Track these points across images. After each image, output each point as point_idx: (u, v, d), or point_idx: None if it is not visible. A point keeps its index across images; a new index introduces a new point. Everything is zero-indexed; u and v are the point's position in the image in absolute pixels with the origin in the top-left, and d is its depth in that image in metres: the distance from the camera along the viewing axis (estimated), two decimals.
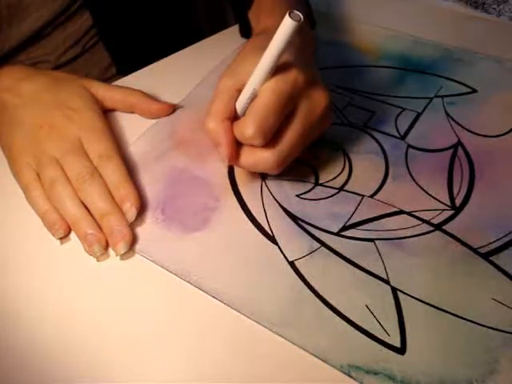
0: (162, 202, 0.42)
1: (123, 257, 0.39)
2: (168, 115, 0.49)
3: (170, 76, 0.53)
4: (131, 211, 0.40)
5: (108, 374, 0.33)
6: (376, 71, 0.50)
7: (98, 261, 0.39)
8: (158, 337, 0.35)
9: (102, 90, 0.48)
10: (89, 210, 0.40)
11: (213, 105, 0.39)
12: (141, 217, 0.41)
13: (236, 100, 0.38)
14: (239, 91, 0.38)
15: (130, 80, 0.53)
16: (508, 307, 0.34)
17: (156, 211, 0.41)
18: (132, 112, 0.49)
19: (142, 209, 0.41)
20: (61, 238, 0.40)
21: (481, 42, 0.52)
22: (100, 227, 0.40)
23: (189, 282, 0.37)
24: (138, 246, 0.40)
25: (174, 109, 0.49)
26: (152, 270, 0.38)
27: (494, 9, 0.54)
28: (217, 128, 0.38)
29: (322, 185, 0.42)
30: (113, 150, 0.43)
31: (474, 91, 0.47)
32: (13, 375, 0.34)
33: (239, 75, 0.38)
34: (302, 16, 0.32)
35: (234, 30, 0.58)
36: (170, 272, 0.38)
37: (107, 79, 0.61)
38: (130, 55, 0.61)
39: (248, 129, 0.36)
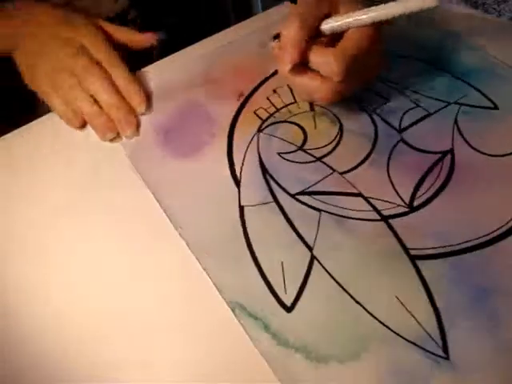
0: (169, 126, 0.47)
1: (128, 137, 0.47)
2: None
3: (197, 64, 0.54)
4: (140, 106, 0.48)
5: (108, 373, 0.34)
6: (408, 62, 0.50)
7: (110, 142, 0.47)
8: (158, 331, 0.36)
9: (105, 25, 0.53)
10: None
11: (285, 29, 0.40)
12: (146, 133, 0.47)
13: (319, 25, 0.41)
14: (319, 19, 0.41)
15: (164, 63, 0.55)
16: (406, 309, 0.34)
17: (160, 132, 0.47)
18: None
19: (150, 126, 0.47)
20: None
21: (481, 42, 0.50)
22: (129, 113, 0.47)
23: (155, 197, 0.42)
24: (130, 152, 0.45)
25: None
26: (151, 269, 0.39)
27: (495, 9, 0.50)
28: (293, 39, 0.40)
29: (304, 150, 0.44)
30: (117, 55, 0.49)
31: (496, 108, 0.45)
32: (13, 375, 0.34)
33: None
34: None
35: (258, 19, 0.58)
36: (144, 182, 0.43)
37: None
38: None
39: (336, 65, 0.39)
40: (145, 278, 0.38)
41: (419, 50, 0.50)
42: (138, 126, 0.48)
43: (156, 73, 0.53)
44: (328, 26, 0.41)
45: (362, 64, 0.40)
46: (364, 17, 0.39)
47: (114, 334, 0.36)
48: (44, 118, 0.50)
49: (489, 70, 0.48)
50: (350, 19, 0.40)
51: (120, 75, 0.48)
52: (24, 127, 0.49)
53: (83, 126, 0.48)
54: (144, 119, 0.48)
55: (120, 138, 0.47)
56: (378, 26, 0.40)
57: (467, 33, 0.51)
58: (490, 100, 0.45)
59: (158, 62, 0.55)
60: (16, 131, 0.49)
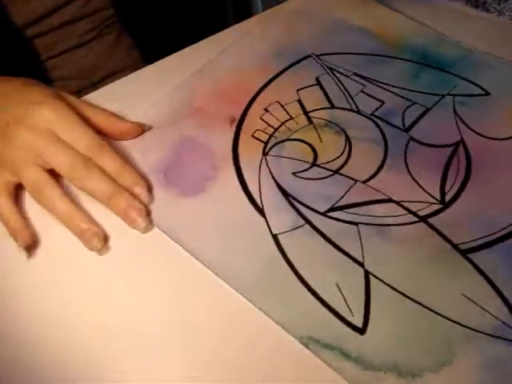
0: (165, 166, 0.44)
1: (145, 231, 0.39)
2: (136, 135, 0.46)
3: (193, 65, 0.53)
4: (143, 193, 0.40)
5: (108, 373, 0.34)
6: (394, 62, 0.50)
7: (99, 254, 0.39)
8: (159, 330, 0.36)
9: (72, 99, 0.44)
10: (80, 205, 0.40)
11: None
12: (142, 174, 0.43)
13: None
14: None
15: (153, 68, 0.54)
16: (476, 304, 0.34)
17: (159, 173, 0.43)
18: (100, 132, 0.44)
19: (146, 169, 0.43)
20: (29, 251, 0.39)
21: (481, 42, 0.52)
22: (94, 222, 0.39)
23: (176, 241, 0.39)
24: None
25: (142, 130, 0.46)
26: (150, 268, 0.38)
27: (495, 8, 0.53)
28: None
29: (318, 166, 0.43)
30: (99, 138, 0.41)
31: (487, 94, 0.47)
32: (13, 375, 0.34)
33: None
34: None
35: (257, 19, 0.58)
36: (160, 230, 0.40)
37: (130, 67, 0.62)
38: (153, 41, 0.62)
39: None
40: (143, 278, 0.38)
41: (402, 50, 0.51)
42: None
43: (155, 73, 0.51)
44: None
45: None
46: None
47: (114, 333, 0.35)
48: None
49: (471, 60, 0.50)
50: None
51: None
52: None
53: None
54: (137, 162, 0.44)
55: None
56: None
57: (467, 32, 0.52)
58: (480, 87, 0.47)
59: (157, 63, 0.53)
60: None
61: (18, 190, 0.42)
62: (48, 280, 0.38)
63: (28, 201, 0.41)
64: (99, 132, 0.43)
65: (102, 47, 0.62)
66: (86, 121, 0.42)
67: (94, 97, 0.50)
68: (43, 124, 0.40)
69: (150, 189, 0.42)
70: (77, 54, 0.61)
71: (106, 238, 0.39)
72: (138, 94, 0.51)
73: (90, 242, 0.38)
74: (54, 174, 0.40)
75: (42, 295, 0.37)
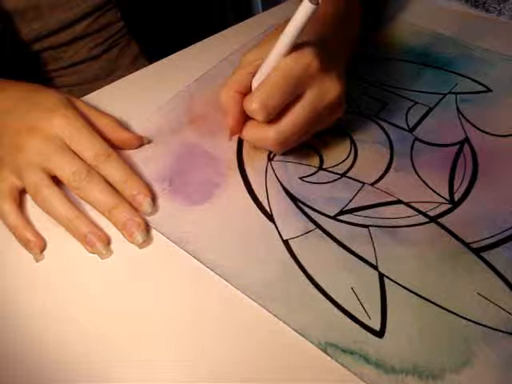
0: (170, 174, 0.44)
1: (142, 245, 0.39)
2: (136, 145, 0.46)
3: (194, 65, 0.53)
4: (146, 202, 0.40)
5: (108, 373, 0.34)
6: (395, 64, 0.51)
7: (102, 259, 0.39)
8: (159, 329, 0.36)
9: (81, 105, 0.45)
10: (83, 211, 0.39)
11: (231, 77, 0.40)
12: (147, 183, 0.42)
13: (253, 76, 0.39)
14: (258, 67, 0.39)
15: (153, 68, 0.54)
16: (491, 302, 0.34)
17: (164, 182, 0.43)
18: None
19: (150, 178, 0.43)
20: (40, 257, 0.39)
21: (481, 42, 0.52)
22: (96, 225, 0.39)
23: (186, 250, 0.39)
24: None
25: (141, 142, 0.46)
26: (149, 268, 0.39)
27: (495, 8, 0.53)
28: (227, 99, 0.39)
29: (325, 169, 0.43)
30: (108, 147, 0.41)
31: (489, 90, 0.47)
32: (13, 375, 0.34)
33: (261, 53, 0.39)
34: (320, 0, 0.33)
35: (258, 19, 0.58)
36: (170, 240, 0.39)
37: None
38: (158, 43, 0.62)
39: (252, 103, 0.37)
40: (143, 278, 0.38)
41: (402, 51, 0.52)
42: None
43: (156, 73, 0.50)
44: (253, 83, 0.39)
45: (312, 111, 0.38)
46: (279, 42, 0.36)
47: (114, 334, 0.35)
48: None
49: (471, 57, 0.50)
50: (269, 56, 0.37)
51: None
52: None
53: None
54: (140, 171, 0.44)
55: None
56: (314, 54, 0.37)
57: (467, 32, 0.53)
58: (481, 84, 0.47)
59: (157, 63, 0.53)
60: None
61: (22, 195, 0.42)
62: (49, 281, 0.38)
63: (29, 203, 0.41)
64: (105, 138, 0.43)
65: (108, 57, 0.62)
66: (94, 127, 0.43)
67: (97, 96, 0.50)
68: (54, 132, 0.40)
69: (154, 198, 0.41)
70: (84, 65, 0.61)
71: (108, 242, 0.39)
72: (139, 94, 0.51)
73: (93, 246, 0.39)
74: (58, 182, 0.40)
75: (43, 296, 0.37)
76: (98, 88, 0.51)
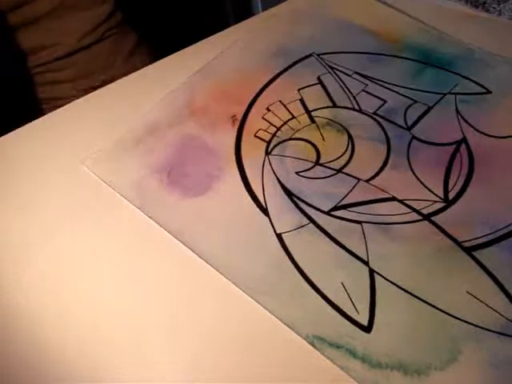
0: (169, 166, 0.44)
1: None
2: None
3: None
4: None
5: (108, 374, 0.34)
6: (395, 62, 0.51)
7: None
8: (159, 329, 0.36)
9: None
10: None
11: None
12: (148, 177, 0.43)
13: None
14: None
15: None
16: (481, 301, 0.34)
17: (162, 173, 0.44)
18: None
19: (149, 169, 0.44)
20: None
21: (481, 42, 0.52)
22: None
23: (181, 241, 0.39)
24: (139, 203, 0.42)
25: None
26: (148, 270, 0.39)
27: (495, 8, 0.53)
28: None
29: (321, 165, 0.43)
30: None
31: (489, 92, 0.47)
32: (13, 375, 0.34)
33: None
34: None
35: (258, 19, 0.58)
36: (166, 231, 0.40)
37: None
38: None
39: None
40: (142, 279, 0.38)
41: (403, 49, 0.52)
42: None
43: (155, 73, 0.50)
44: None
45: None
46: None
47: (114, 333, 0.35)
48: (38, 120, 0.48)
49: (472, 58, 0.50)
50: None
51: None
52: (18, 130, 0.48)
53: None
54: (140, 163, 0.44)
55: None
56: None
57: (467, 32, 0.53)
58: (481, 86, 0.47)
59: (157, 63, 0.53)
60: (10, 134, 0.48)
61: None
62: (48, 280, 0.38)
63: (28, 200, 0.42)
64: None
65: (101, 51, 0.62)
66: None
67: (96, 96, 0.50)
68: None
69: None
70: (76, 56, 0.61)
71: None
72: (139, 94, 0.51)
73: None
74: None
75: (42, 295, 0.37)
76: (94, 84, 0.52)
